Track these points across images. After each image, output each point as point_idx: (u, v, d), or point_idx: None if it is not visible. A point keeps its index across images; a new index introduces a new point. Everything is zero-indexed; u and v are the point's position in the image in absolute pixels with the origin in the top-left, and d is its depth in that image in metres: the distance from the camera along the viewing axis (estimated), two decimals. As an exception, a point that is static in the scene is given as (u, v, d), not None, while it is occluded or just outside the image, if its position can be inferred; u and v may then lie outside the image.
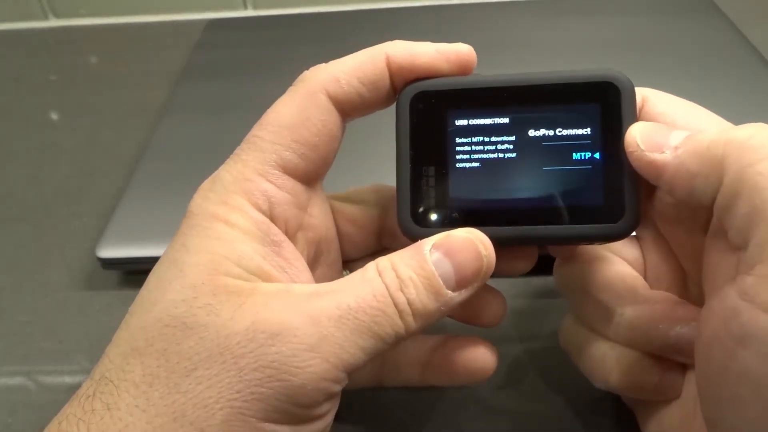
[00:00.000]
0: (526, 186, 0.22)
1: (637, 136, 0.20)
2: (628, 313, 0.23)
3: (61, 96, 0.53)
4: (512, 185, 0.22)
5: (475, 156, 0.22)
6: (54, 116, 0.51)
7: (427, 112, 0.23)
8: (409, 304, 0.20)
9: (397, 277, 0.20)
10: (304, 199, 0.23)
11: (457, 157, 0.22)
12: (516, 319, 0.32)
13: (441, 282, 0.20)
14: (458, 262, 0.20)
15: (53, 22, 0.63)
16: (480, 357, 0.24)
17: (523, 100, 0.22)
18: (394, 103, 0.23)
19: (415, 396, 0.29)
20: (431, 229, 0.22)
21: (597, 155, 0.21)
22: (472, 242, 0.21)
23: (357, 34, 0.50)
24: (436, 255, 0.20)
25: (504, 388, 0.29)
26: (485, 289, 0.24)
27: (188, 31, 0.57)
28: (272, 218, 0.22)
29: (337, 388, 0.20)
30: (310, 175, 0.23)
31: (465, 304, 0.21)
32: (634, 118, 0.21)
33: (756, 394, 0.17)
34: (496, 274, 0.22)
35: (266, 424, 0.19)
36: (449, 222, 0.22)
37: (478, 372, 0.24)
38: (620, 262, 0.25)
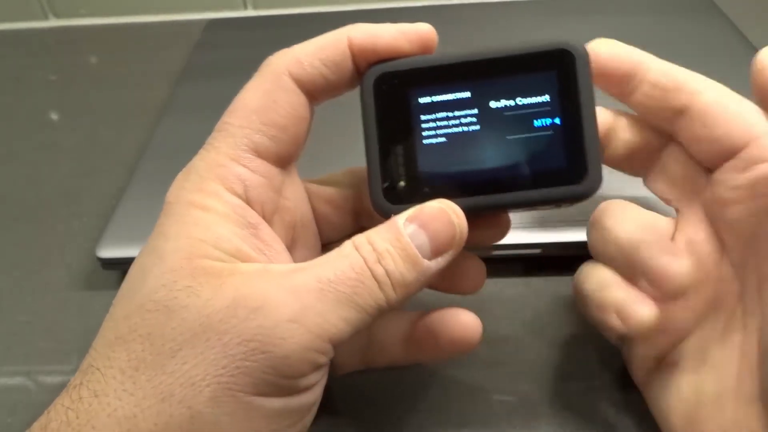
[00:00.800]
0: (492, 156, 0.23)
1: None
2: None
3: (61, 96, 0.53)
4: (478, 156, 0.23)
5: (441, 131, 0.23)
6: (54, 116, 0.51)
7: (391, 93, 0.23)
8: (388, 275, 0.20)
9: (374, 250, 0.20)
10: (278, 181, 0.23)
11: (423, 133, 0.23)
12: (516, 319, 0.32)
13: (417, 252, 0.21)
14: (432, 232, 0.21)
15: (53, 22, 0.63)
16: (463, 326, 0.24)
17: (482, 74, 0.23)
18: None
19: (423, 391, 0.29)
20: (403, 205, 0.22)
21: (557, 120, 0.22)
22: (444, 211, 0.21)
23: (357, 34, 0.50)
24: (411, 227, 0.21)
25: (504, 388, 0.29)
26: (464, 256, 0.25)
27: (188, 31, 0.57)
28: (248, 201, 0.22)
29: (323, 359, 0.20)
30: (282, 157, 0.23)
31: (446, 273, 0.22)
32: (590, 81, 0.22)
33: None
34: (472, 245, 0.22)
35: (254, 397, 0.19)
36: (420, 197, 0.23)
37: (462, 342, 0.24)
38: None
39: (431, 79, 0.23)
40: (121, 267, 0.35)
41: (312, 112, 0.24)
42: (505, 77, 0.23)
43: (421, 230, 0.21)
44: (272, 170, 0.23)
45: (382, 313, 0.21)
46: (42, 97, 0.53)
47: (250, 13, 0.62)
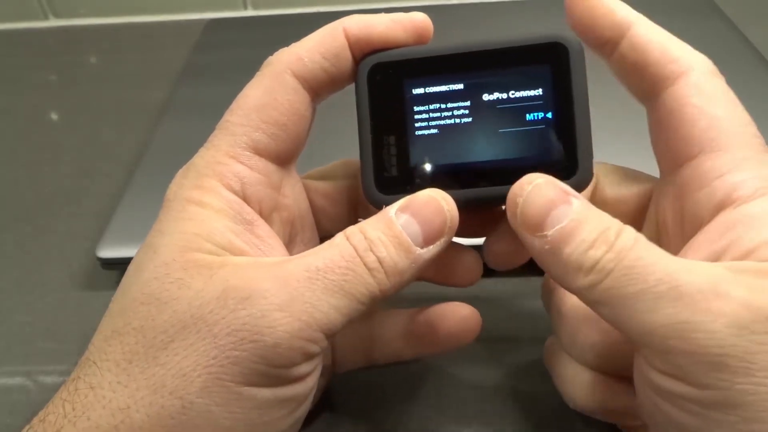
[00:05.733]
0: (484, 148, 0.23)
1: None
2: (592, 338, 0.23)
3: (61, 96, 0.53)
4: (470, 148, 0.23)
5: (434, 123, 0.23)
6: (54, 116, 0.51)
7: (385, 83, 0.23)
8: (380, 262, 0.20)
9: (366, 239, 0.21)
10: (276, 179, 0.23)
11: (416, 124, 0.23)
12: (516, 319, 0.32)
13: (409, 240, 0.21)
14: (424, 220, 0.21)
15: (53, 22, 0.63)
16: (462, 318, 0.25)
17: (476, 66, 0.23)
18: None
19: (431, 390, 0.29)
20: (396, 195, 0.22)
21: (549, 115, 0.22)
22: (435, 199, 0.21)
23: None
24: (403, 216, 0.21)
25: (504, 388, 0.29)
26: (459, 249, 0.25)
27: (188, 31, 0.57)
28: (245, 198, 0.22)
29: (314, 348, 0.20)
30: (282, 155, 0.23)
31: (442, 266, 0.22)
32: (584, 76, 0.22)
33: None
34: (460, 235, 0.23)
35: (245, 387, 0.19)
36: (411, 187, 0.23)
37: (462, 334, 0.25)
38: None
39: (425, 70, 0.23)
40: (121, 267, 0.35)
41: (314, 110, 0.24)
42: (498, 70, 0.23)
43: (413, 219, 0.21)
44: (271, 168, 0.23)
45: (375, 302, 0.21)
46: (42, 97, 0.53)
47: (250, 13, 0.62)
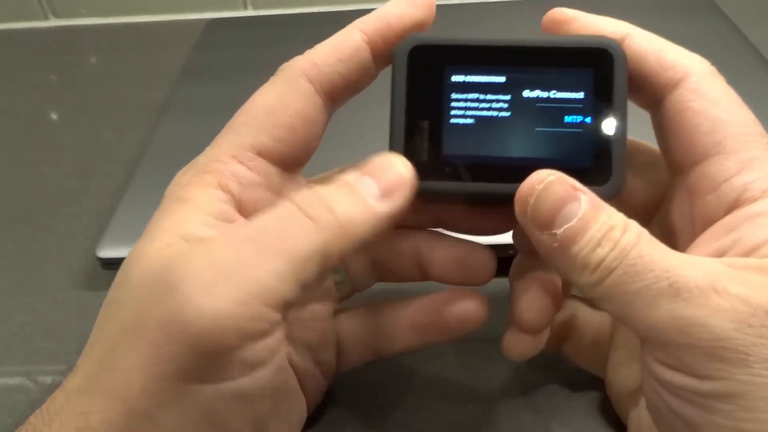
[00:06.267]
0: (518, 145, 0.22)
1: None
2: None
3: (61, 96, 0.53)
4: (505, 143, 0.22)
5: (470, 112, 0.23)
6: (54, 116, 0.51)
7: (425, 66, 0.23)
8: (331, 212, 0.20)
9: (314, 195, 0.20)
10: (277, 182, 0.23)
11: (452, 112, 0.23)
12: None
13: (363, 193, 0.20)
14: (377, 175, 0.21)
15: (53, 22, 0.63)
16: (470, 304, 0.25)
17: (520, 61, 0.22)
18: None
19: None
20: (424, 182, 0.22)
21: (588, 119, 0.22)
22: (386, 157, 0.21)
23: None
24: (354, 174, 0.21)
25: (505, 388, 0.29)
26: (473, 246, 0.25)
27: (188, 31, 0.57)
28: (241, 198, 0.22)
29: (256, 325, 0.19)
30: (287, 159, 0.23)
31: (456, 265, 0.23)
32: (625, 85, 0.22)
33: None
34: (485, 232, 0.24)
35: (185, 384, 0.18)
36: (441, 175, 0.22)
37: (469, 320, 0.25)
38: None
39: (468, 58, 0.23)
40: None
41: (327, 116, 0.23)
42: (542, 68, 0.22)
43: (366, 176, 0.21)
44: (272, 170, 0.23)
45: (331, 259, 0.19)
46: (42, 97, 0.53)
47: (250, 13, 0.62)
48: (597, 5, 0.58)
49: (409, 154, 0.22)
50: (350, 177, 0.21)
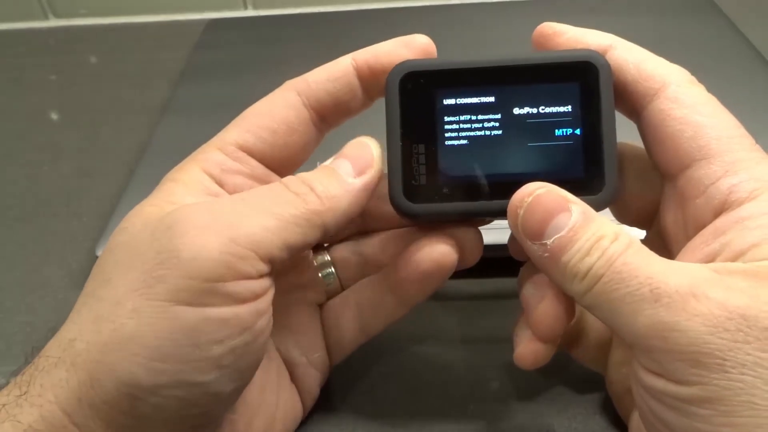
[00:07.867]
0: (512, 161, 0.23)
1: None
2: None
3: (61, 96, 0.53)
4: (500, 161, 0.23)
5: (464, 134, 0.23)
6: (54, 116, 0.51)
7: (416, 92, 0.23)
8: (312, 189, 0.22)
9: (299, 178, 0.22)
10: (261, 174, 0.24)
11: (446, 135, 0.23)
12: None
13: (341, 172, 0.23)
14: (351, 156, 0.23)
15: (53, 22, 0.63)
16: (441, 249, 0.24)
17: (507, 80, 0.23)
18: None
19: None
20: (423, 204, 0.23)
21: (578, 131, 0.23)
22: (359, 140, 0.24)
23: (357, 34, 0.50)
24: (331, 159, 0.24)
25: (505, 387, 0.29)
26: (460, 228, 0.25)
27: (188, 31, 0.57)
28: (223, 182, 0.24)
29: (246, 267, 0.20)
30: (267, 158, 0.24)
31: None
32: (611, 95, 0.23)
33: None
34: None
35: (172, 306, 0.20)
36: (440, 197, 0.23)
37: (444, 263, 0.24)
38: None
39: (457, 81, 0.23)
40: (121, 267, 0.35)
41: (317, 132, 0.25)
42: (529, 85, 0.23)
43: (341, 159, 0.23)
44: (254, 164, 0.24)
45: (315, 228, 0.21)
46: (42, 97, 0.53)
47: (250, 13, 0.62)
48: (598, 6, 0.59)
49: (407, 179, 0.23)
50: (328, 161, 0.24)
